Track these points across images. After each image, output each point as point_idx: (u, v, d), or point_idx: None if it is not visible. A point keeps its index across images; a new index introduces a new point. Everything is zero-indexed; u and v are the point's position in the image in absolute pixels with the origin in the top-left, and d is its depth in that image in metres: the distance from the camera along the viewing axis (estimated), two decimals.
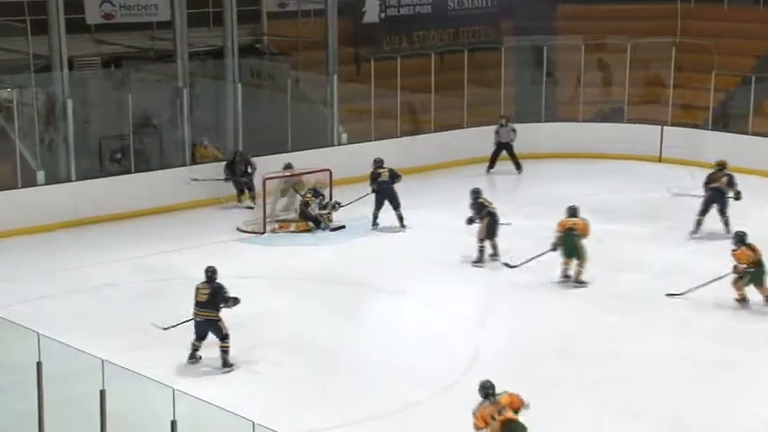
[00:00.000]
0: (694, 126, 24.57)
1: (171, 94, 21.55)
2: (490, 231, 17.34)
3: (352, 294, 16.15)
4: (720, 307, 15.50)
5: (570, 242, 16.33)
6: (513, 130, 23.96)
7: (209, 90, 23.15)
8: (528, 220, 18.96)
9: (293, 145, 22.05)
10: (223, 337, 13.27)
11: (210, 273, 13.36)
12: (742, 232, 15.75)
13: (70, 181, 20.12)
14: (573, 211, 16.58)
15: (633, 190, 22.36)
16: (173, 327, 13.69)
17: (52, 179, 19.95)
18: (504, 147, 24.04)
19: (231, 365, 13.31)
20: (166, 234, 19.10)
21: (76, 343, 10.95)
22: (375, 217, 19.44)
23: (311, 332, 14.30)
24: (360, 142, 23.20)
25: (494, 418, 10.53)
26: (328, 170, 20.00)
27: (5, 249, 18.18)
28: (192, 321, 13.41)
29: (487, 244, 17.36)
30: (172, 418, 9.08)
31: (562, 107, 26.21)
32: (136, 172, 20.71)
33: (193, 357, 13.46)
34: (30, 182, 19.63)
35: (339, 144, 23.20)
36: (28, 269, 17.22)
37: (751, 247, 15.39)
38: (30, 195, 19.48)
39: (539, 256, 16.43)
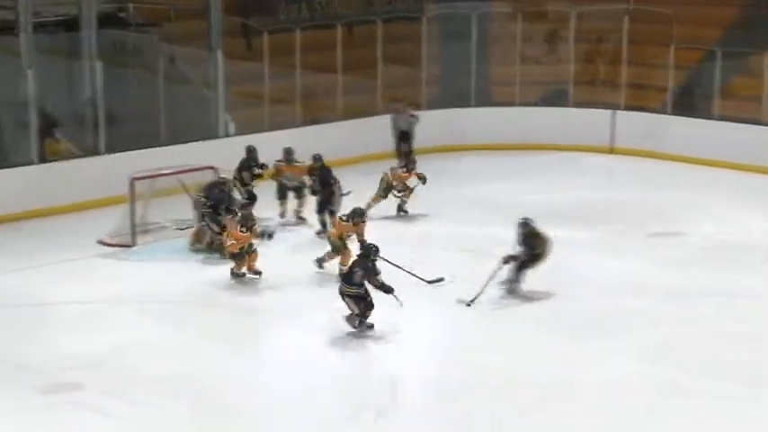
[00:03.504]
0: (651, 110, 24.72)
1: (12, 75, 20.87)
2: None
3: (238, 320, 15.92)
4: (677, 327, 15.47)
5: None
6: (413, 115, 23.96)
7: (60, 70, 22.58)
8: (462, 227, 18.93)
9: (167, 136, 21.60)
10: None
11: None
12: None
13: None
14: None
15: (579, 187, 22.23)
16: None
17: None
18: (404, 136, 23.96)
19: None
20: (10, 249, 18.48)
21: None
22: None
23: (192, 367, 14.01)
24: (250, 133, 22.56)
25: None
26: (212, 167, 19.28)
27: None
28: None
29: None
30: None
31: (496, 89, 26.16)
32: None
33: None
34: None
35: (226, 135, 22.78)
36: None
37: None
38: None
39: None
